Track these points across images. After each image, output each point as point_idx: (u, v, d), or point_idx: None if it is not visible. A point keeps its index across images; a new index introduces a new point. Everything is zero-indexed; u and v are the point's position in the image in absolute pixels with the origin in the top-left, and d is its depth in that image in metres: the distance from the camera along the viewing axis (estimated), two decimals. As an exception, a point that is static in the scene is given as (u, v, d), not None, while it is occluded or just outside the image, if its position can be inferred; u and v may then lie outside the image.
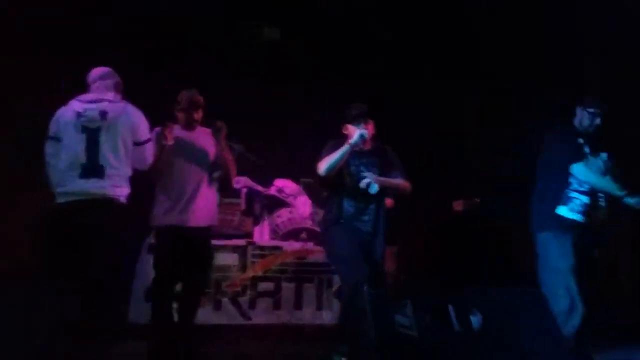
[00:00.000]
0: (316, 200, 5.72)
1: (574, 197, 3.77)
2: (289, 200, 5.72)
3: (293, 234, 5.60)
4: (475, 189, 5.73)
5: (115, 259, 3.45)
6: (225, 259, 4.86)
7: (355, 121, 3.89)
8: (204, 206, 3.89)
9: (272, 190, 5.71)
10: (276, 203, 5.71)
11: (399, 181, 3.96)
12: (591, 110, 3.91)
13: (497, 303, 2.90)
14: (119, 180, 3.45)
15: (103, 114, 3.45)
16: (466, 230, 5.77)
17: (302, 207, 5.70)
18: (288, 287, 4.88)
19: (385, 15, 5.81)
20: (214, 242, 4.81)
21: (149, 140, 3.64)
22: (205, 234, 3.94)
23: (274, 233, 5.60)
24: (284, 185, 5.75)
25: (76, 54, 5.03)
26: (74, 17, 5.28)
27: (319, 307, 4.88)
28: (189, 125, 3.95)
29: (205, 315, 4.64)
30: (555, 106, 4.72)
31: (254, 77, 5.99)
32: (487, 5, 5.34)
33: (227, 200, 5.57)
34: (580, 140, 3.86)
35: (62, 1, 5.21)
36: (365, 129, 3.85)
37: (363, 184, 3.80)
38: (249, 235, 5.20)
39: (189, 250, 3.82)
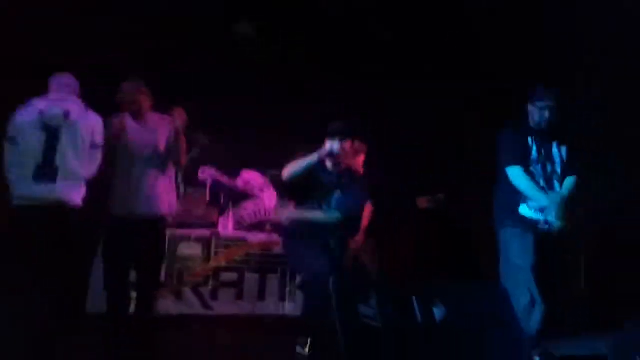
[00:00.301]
0: (282, 193, 5.71)
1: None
2: (255, 192, 5.69)
3: (258, 226, 5.58)
4: (442, 185, 5.76)
5: (66, 261, 3.43)
6: (188, 249, 4.81)
7: (332, 136, 3.74)
8: (156, 195, 3.76)
9: (239, 182, 5.67)
10: (242, 195, 5.67)
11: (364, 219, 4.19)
12: (540, 104, 3.69)
13: (459, 296, 2.92)
14: (74, 180, 3.43)
15: (66, 114, 3.45)
16: (431, 226, 5.81)
17: (268, 199, 5.68)
18: (251, 278, 4.85)
19: (385, 15, 5.80)
20: (178, 232, 4.80)
21: (102, 146, 3.62)
22: (158, 223, 3.82)
23: (239, 224, 5.56)
24: (251, 177, 5.72)
25: (74, 54, 4.95)
26: (71, 16, 5.16)
27: (282, 298, 4.86)
28: (136, 115, 3.84)
29: (166, 305, 4.59)
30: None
31: (226, 67, 5.91)
32: (488, 5, 5.35)
33: (192, 190, 5.52)
34: (529, 140, 3.70)
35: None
36: (340, 145, 3.71)
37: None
38: (213, 225, 5.14)
39: (140, 240, 3.73)
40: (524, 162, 3.65)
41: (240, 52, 5.97)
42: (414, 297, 2.84)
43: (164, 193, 3.82)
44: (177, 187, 5.37)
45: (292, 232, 3.89)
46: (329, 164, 3.78)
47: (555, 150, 3.71)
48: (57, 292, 3.41)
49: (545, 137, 3.71)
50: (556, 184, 3.68)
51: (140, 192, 3.71)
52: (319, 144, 4.81)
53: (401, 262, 5.59)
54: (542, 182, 3.66)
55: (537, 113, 3.71)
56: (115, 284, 3.71)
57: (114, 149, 3.71)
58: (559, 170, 3.68)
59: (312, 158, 3.68)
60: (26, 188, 3.35)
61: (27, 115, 3.45)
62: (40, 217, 3.34)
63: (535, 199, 3.61)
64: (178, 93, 4.54)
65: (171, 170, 3.93)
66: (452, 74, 5.93)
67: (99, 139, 3.56)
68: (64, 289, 3.51)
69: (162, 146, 3.82)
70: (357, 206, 3.94)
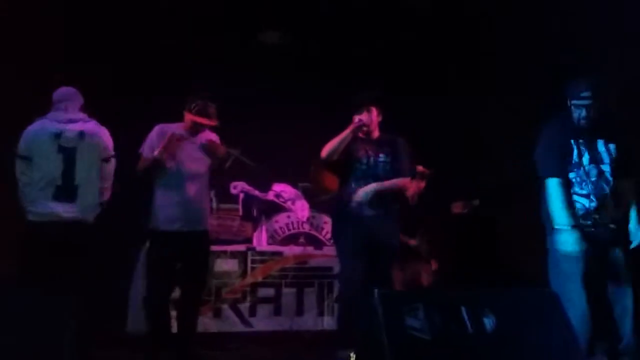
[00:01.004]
0: (314, 205, 5.63)
1: (575, 200, 3.40)
2: (287, 205, 5.62)
3: (291, 239, 5.51)
4: (477, 192, 5.63)
5: (85, 276, 3.50)
6: (224, 265, 4.74)
7: (357, 109, 3.91)
8: (202, 210, 3.87)
9: (270, 195, 5.61)
10: (274, 208, 5.60)
11: (394, 182, 3.92)
12: (577, 102, 3.38)
13: (509, 304, 2.79)
14: (91, 199, 3.56)
15: (81, 135, 3.56)
16: (466, 232, 5.66)
17: (300, 211, 5.60)
18: (289, 293, 4.76)
19: (393, 24, 5.73)
20: (213, 248, 4.72)
21: (114, 155, 3.72)
22: (203, 238, 3.85)
23: (272, 238, 5.49)
24: (282, 190, 5.65)
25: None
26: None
27: (321, 313, 4.76)
28: (194, 130, 3.87)
29: (205, 323, 4.52)
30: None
31: (253, 80, 5.87)
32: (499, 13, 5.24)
33: (224, 205, 5.46)
34: (571, 142, 3.40)
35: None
36: (368, 114, 3.90)
37: (357, 198, 3.81)
38: (248, 240, 5.07)
39: (187, 256, 3.73)
40: (563, 170, 3.38)
41: (270, 63, 5.93)
42: (462, 307, 2.73)
43: (207, 209, 4.00)
44: (210, 202, 5.41)
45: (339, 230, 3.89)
46: (361, 134, 3.93)
47: (602, 148, 3.40)
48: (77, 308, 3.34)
49: (589, 136, 3.40)
50: (604, 186, 3.37)
51: (190, 208, 3.75)
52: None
53: (440, 269, 5.46)
54: (587, 188, 3.38)
55: (575, 111, 3.39)
56: (162, 300, 3.68)
57: (161, 163, 3.72)
58: (607, 170, 3.38)
59: (346, 133, 3.81)
60: (45, 207, 3.45)
61: (42, 135, 3.52)
62: (59, 232, 3.44)
63: (560, 220, 3.35)
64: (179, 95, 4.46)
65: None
66: (469, 85, 5.83)
67: (109, 152, 3.68)
68: (84, 304, 3.42)
69: (207, 164, 3.92)
70: (404, 171, 3.96)
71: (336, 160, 3.86)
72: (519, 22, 5.34)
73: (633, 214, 3.38)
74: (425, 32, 5.79)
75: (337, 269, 4.77)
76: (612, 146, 3.40)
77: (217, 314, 4.65)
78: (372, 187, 3.83)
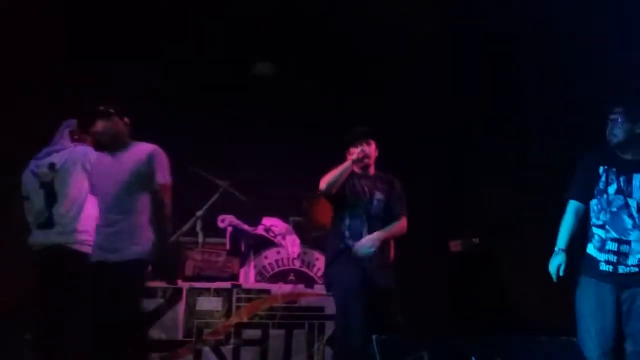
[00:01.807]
0: (306, 241, 5.26)
1: (594, 233, 3.18)
2: (277, 240, 5.24)
3: (281, 276, 5.13)
4: (474, 229, 5.30)
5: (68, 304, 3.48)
6: (207, 303, 4.33)
7: (355, 142, 3.79)
8: (127, 236, 3.39)
9: (260, 230, 5.24)
10: (263, 243, 5.23)
11: (395, 228, 3.80)
12: (610, 117, 3.15)
13: (524, 353, 2.42)
14: (70, 224, 3.58)
15: (51, 166, 3.64)
16: (464, 271, 5.30)
17: (291, 247, 5.21)
18: (276, 335, 4.33)
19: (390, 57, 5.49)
20: (196, 285, 4.35)
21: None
22: (127, 270, 3.36)
23: (260, 275, 5.10)
24: (273, 224, 5.28)
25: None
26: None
27: (310, 357, 4.33)
28: (110, 148, 3.53)
29: (184, 366, 4.11)
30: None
31: (245, 112, 5.59)
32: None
33: (211, 240, 5.10)
34: (600, 168, 3.17)
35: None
36: (367, 147, 3.80)
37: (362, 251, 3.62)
38: (234, 277, 4.67)
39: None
40: (585, 195, 3.18)
41: (262, 95, 5.65)
42: (472, 357, 2.36)
43: (137, 234, 3.52)
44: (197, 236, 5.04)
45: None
46: (357, 169, 3.81)
47: (637, 183, 3.11)
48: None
49: (626, 167, 3.13)
50: (626, 219, 3.09)
51: (111, 234, 3.48)
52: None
53: (432, 311, 5.09)
54: (604, 217, 3.13)
55: (609, 125, 3.15)
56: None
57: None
58: (634, 205, 3.09)
59: (347, 164, 3.71)
60: (34, 236, 3.68)
61: (29, 175, 3.73)
62: (42, 259, 3.59)
63: (559, 239, 3.20)
64: (197, 139, 4.24)
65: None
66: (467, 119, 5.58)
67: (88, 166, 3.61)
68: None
69: (134, 178, 3.50)
70: (398, 208, 3.83)
71: (335, 192, 3.68)
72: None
73: None
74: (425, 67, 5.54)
75: (329, 309, 4.42)
76: None
77: (198, 356, 4.22)
78: (375, 237, 3.65)
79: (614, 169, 3.14)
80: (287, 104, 5.74)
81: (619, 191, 3.12)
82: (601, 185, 3.15)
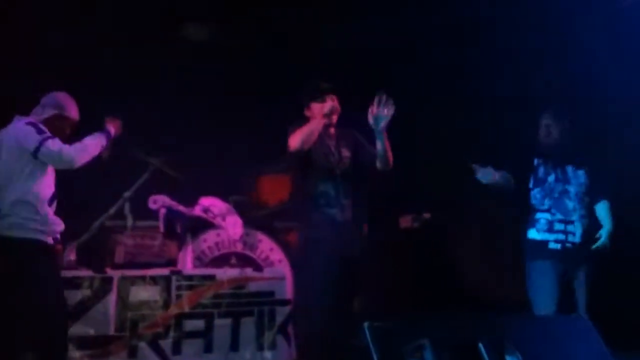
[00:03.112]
0: (248, 221, 4.74)
1: (539, 217, 3.49)
2: (217, 221, 4.69)
3: (221, 260, 4.59)
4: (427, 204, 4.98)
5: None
6: (142, 293, 3.74)
7: (320, 97, 3.37)
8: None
9: (197, 210, 4.66)
10: (201, 225, 4.67)
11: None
12: (544, 121, 3.57)
13: (534, 335, 2.05)
14: (14, 213, 2.98)
15: None
16: (414, 248, 4.97)
17: (232, 228, 4.67)
18: (222, 325, 3.80)
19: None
20: (128, 273, 3.76)
21: (43, 140, 2.97)
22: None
23: (199, 260, 4.55)
24: (211, 204, 4.71)
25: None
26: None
27: (260, 347, 3.84)
28: None
29: (117, 364, 3.53)
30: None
31: (177, 82, 4.97)
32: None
33: (142, 223, 4.49)
34: (535, 159, 3.54)
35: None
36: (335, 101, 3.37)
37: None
38: (172, 262, 4.10)
39: None
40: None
41: (195, 62, 5.05)
42: (480, 344, 1.95)
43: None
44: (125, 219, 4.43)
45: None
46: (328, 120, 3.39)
47: (571, 173, 3.50)
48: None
49: (557, 158, 3.52)
50: (568, 203, 3.44)
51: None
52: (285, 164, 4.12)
53: (383, 292, 4.73)
54: (548, 202, 3.47)
55: (541, 130, 3.58)
56: None
57: None
58: (573, 191, 3.46)
59: (317, 120, 3.30)
60: None
61: None
62: None
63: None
64: (125, 111, 3.64)
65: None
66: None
67: (30, 142, 2.97)
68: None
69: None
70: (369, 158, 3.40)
71: (307, 152, 3.23)
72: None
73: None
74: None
75: (279, 293, 3.96)
76: (580, 172, 3.50)
77: (133, 353, 3.62)
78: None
79: (550, 162, 3.50)
80: (223, 75, 5.18)
81: (557, 180, 3.47)
82: (541, 174, 3.50)
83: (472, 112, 4.97)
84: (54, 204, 3.15)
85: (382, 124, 3.13)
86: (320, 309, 2.91)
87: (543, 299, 3.22)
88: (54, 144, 2.96)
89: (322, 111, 3.28)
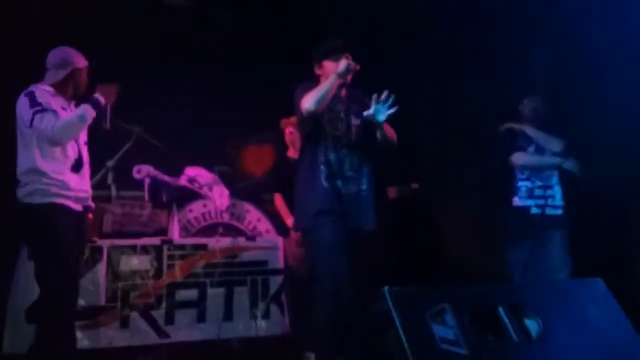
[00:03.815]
0: (235, 191, 4.66)
1: (521, 185, 3.75)
2: (203, 191, 4.58)
3: (208, 231, 4.52)
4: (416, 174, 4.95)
5: None
6: (133, 262, 3.64)
7: (334, 55, 3.08)
8: None
9: (182, 180, 4.53)
10: (187, 195, 4.57)
11: (390, 130, 3.20)
12: (524, 102, 3.92)
13: (553, 300, 2.05)
14: (28, 180, 2.88)
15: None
16: (403, 219, 4.95)
17: (219, 198, 4.58)
18: (215, 294, 3.74)
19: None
20: (117, 242, 3.66)
21: (34, 114, 2.84)
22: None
23: (186, 231, 4.46)
24: (197, 174, 4.59)
25: None
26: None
27: (254, 317, 3.79)
28: None
29: (110, 335, 3.45)
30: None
31: (159, 49, 4.79)
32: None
33: (126, 193, 4.35)
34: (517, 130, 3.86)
35: None
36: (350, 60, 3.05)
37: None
38: (162, 232, 4.00)
39: None
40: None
41: (177, 28, 4.87)
42: (500, 308, 1.94)
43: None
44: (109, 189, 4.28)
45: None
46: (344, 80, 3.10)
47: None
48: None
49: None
50: (547, 171, 3.71)
51: None
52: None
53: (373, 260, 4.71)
54: (528, 171, 3.73)
55: (522, 110, 3.88)
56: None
57: None
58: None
59: (332, 80, 2.97)
60: None
61: None
62: None
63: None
64: (106, 77, 3.46)
65: None
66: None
67: (25, 117, 2.86)
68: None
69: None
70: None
71: (320, 115, 3.01)
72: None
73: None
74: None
75: (272, 262, 3.92)
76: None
77: (125, 323, 3.54)
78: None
79: (529, 136, 3.75)
80: (208, 41, 5.02)
81: (537, 149, 3.73)
82: (521, 144, 3.75)
83: (464, 80, 4.92)
84: (83, 170, 3.02)
85: (382, 117, 3.00)
86: (331, 286, 2.77)
87: (517, 265, 3.49)
88: (43, 120, 2.80)
89: (337, 69, 2.97)
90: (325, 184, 2.95)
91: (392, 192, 5.02)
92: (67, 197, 2.89)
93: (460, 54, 5.01)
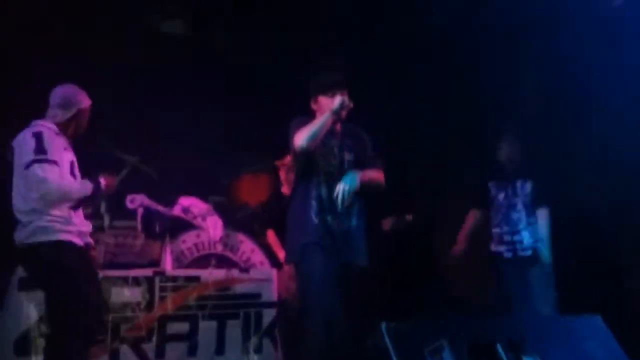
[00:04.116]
0: (229, 222, 4.63)
1: (493, 232, 4.03)
2: (197, 221, 4.55)
3: (201, 262, 4.47)
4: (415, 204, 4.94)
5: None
6: (124, 294, 3.59)
7: (330, 91, 3.04)
8: None
9: (176, 210, 4.50)
10: (181, 225, 4.53)
11: (373, 172, 3.11)
12: (497, 148, 4.10)
13: (551, 336, 2.02)
14: (29, 220, 2.82)
15: (12, 152, 2.92)
16: (398, 250, 4.92)
17: (213, 229, 4.55)
18: (207, 328, 3.68)
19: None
20: (109, 273, 3.62)
21: (35, 161, 2.78)
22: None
23: (178, 261, 4.41)
24: (191, 204, 4.56)
25: None
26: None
27: (246, 351, 3.73)
28: None
29: (98, 369, 3.36)
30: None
31: (155, 77, 4.79)
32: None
33: (120, 222, 4.31)
34: (489, 183, 4.09)
35: None
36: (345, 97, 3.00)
37: (340, 195, 2.92)
38: (155, 263, 3.95)
39: None
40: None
41: (173, 56, 4.89)
42: (498, 345, 1.91)
43: None
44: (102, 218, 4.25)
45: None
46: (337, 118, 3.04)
47: (518, 186, 3.93)
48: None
49: (507, 176, 3.96)
50: (514, 215, 3.90)
51: None
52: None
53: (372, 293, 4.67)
54: (496, 219, 3.96)
55: (498, 152, 4.06)
56: None
57: None
58: (519, 201, 3.91)
59: (325, 117, 2.93)
60: None
61: None
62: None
63: None
64: (101, 107, 3.46)
65: None
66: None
67: (25, 157, 2.80)
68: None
69: None
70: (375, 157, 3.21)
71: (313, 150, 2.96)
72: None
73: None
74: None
75: (266, 295, 3.86)
76: (527, 184, 3.91)
77: (115, 357, 3.47)
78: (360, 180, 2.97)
79: (502, 181, 3.96)
80: (204, 71, 5.03)
81: (506, 196, 3.93)
82: (492, 195, 3.99)
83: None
84: (79, 208, 2.98)
85: (354, 182, 2.94)
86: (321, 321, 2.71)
87: (505, 303, 3.65)
88: (42, 170, 2.75)
89: (331, 107, 2.93)
90: (315, 219, 2.89)
91: (386, 224, 4.99)
92: (71, 233, 2.85)
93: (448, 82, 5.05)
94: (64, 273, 2.77)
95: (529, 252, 3.82)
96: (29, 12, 4.33)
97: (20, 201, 2.83)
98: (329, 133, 3.01)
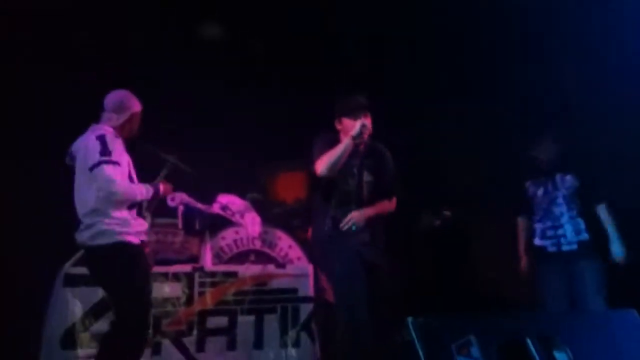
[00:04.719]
0: (267, 218, 4.69)
1: (536, 227, 3.93)
2: (236, 218, 4.62)
3: (240, 258, 4.54)
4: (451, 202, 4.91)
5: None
6: (165, 290, 3.71)
7: (353, 114, 3.14)
8: None
9: (215, 208, 4.58)
10: (220, 222, 4.61)
11: (384, 205, 3.26)
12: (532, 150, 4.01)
13: (584, 331, 1.99)
14: (86, 221, 2.96)
15: (72, 157, 3.08)
16: (435, 246, 4.90)
17: (251, 225, 4.61)
18: (245, 322, 3.76)
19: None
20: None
21: (101, 162, 2.90)
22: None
23: (218, 257, 4.49)
24: (229, 201, 4.64)
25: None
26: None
27: (284, 345, 3.78)
28: None
29: (141, 362, 3.46)
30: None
31: (194, 79, 4.90)
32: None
33: (161, 220, 4.42)
34: (526, 182, 4.02)
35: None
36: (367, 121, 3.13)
37: (346, 226, 3.08)
38: (194, 259, 4.04)
39: None
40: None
41: (212, 60, 4.98)
42: (528, 340, 1.90)
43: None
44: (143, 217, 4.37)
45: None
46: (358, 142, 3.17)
47: (558, 179, 3.87)
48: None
49: (545, 171, 3.90)
50: (555, 210, 3.83)
51: None
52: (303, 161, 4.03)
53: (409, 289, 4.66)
54: (539, 213, 3.89)
55: (534, 151, 3.96)
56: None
57: None
58: (560, 195, 3.83)
59: (346, 145, 3.05)
60: None
61: None
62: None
63: None
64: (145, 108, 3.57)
65: None
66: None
67: (90, 160, 2.92)
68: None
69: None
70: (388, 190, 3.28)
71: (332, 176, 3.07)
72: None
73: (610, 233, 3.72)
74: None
75: (302, 290, 3.91)
76: (568, 177, 3.84)
77: (157, 350, 3.59)
78: (360, 215, 3.10)
79: (539, 178, 3.91)
80: (240, 70, 5.11)
81: (545, 192, 3.88)
82: (531, 193, 3.93)
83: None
84: (135, 208, 3.13)
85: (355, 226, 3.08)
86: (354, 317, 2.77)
87: (549, 299, 3.59)
88: (108, 170, 2.88)
89: (352, 131, 3.05)
90: (331, 236, 3.03)
91: (425, 219, 4.98)
92: (129, 234, 2.99)
93: (490, 77, 4.98)
94: (122, 272, 2.93)
95: (574, 247, 3.74)
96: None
97: (82, 202, 2.97)
98: (351, 154, 3.10)
